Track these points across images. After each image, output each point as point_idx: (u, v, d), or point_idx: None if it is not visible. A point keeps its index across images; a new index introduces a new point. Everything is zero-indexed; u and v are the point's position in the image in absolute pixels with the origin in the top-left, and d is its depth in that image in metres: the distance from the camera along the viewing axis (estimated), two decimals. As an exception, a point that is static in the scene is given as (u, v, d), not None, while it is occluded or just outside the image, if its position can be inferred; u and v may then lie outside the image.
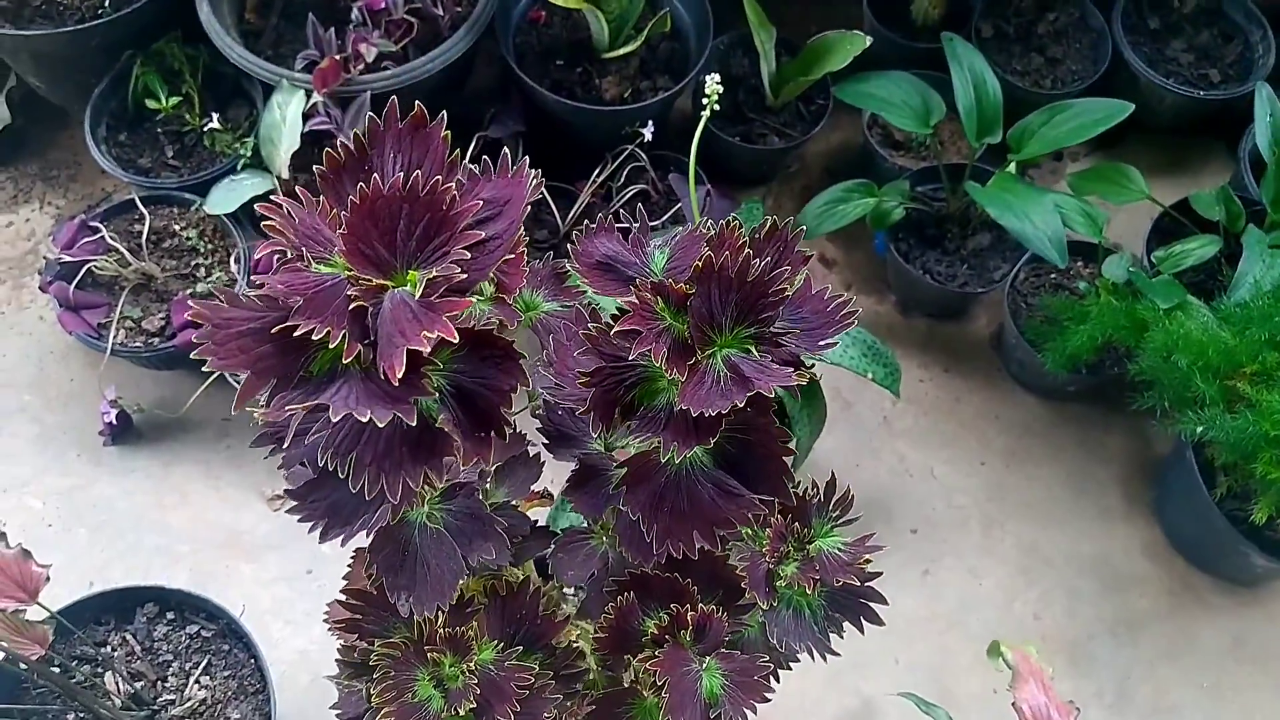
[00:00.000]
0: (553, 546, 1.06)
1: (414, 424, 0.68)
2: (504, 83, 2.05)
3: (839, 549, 1.06)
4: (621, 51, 1.97)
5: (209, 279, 1.83)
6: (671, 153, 2.04)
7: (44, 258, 1.86)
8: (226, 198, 1.83)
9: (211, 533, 1.82)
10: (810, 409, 1.67)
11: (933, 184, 2.02)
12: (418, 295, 0.63)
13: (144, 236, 1.84)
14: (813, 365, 0.85)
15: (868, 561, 1.06)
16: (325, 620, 1.10)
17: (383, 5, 1.88)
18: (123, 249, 1.79)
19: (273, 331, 0.63)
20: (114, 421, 1.82)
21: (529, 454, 1.09)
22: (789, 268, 0.81)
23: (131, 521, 1.81)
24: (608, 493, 0.97)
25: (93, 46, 1.90)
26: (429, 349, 0.61)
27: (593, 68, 2.01)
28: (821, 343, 0.84)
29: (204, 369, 0.63)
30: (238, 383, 0.73)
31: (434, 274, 0.63)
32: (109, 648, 1.55)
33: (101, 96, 1.94)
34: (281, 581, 1.78)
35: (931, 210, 1.99)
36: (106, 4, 1.91)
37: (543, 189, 1.96)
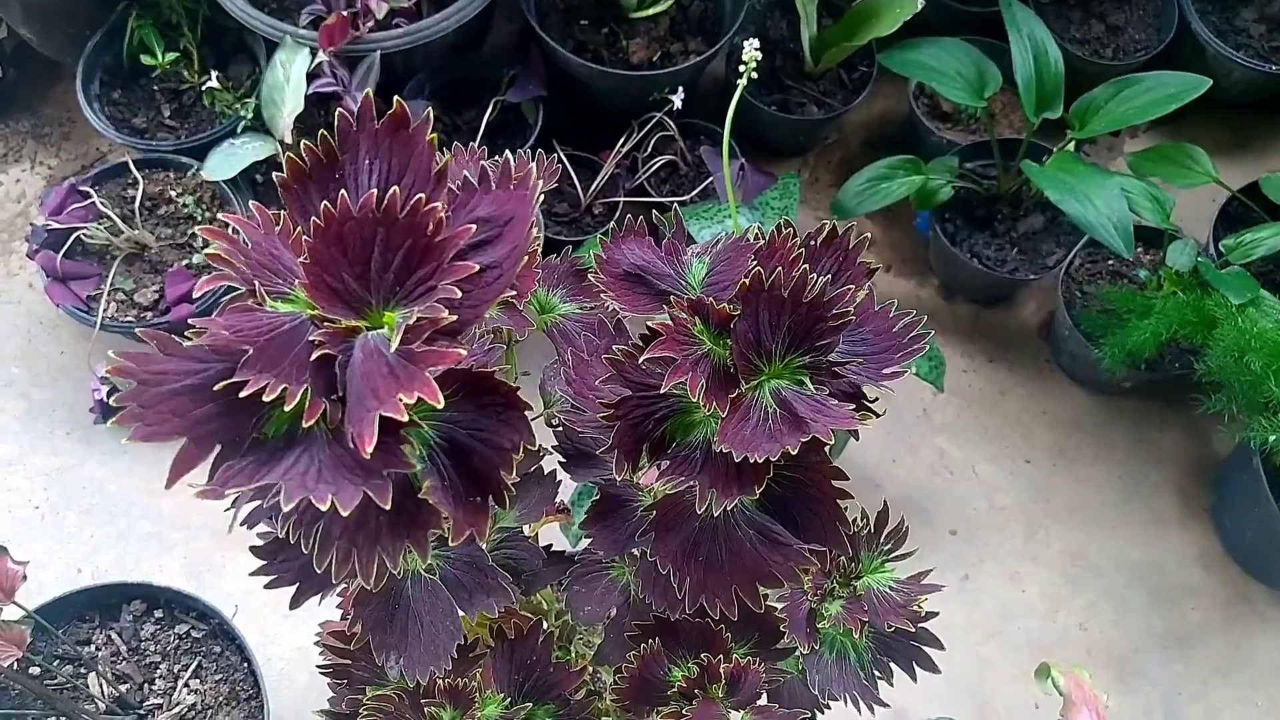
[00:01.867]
0: (568, 577, 0.95)
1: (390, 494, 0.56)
2: (524, 43, 1.91)
3: (890, 587, 0.95)
4: (651, 11, 1.83)
5: (206, 249, 1.71)
6: (702, 121, 1.90)
7: (31, 224, 1.75)
8: (225, 163, 1.71)
9: (206, 519, 1.71)
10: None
11: (983, 160, 1.87)
12: (394, 344, 0.51)
13: (137, 203, 1.72)
14: (876, 399, 0.73)
15: (923, 601, 0.95)
16: (317, 641, 0.99)
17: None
18: (114, 216, 1.68)
19: (215, 389, 0.51)
20: (105, 399, 1.71)
21: (543, 471, 0.97)
22: (852, 287, 0.68)
23: (122, 506, 1.71)
24: (632, 529, 0.85)
25: (85, -4, 1.78)
26: (406, 417, 0.48)
27: (619, 28, 1.87)
28: (886, 371, 0.72)
29: (126, 440, 0.51)
30: None
31: (415, 317, 0.51)
32: (93, 647, 1.46)
33: (95, 50, 1.82)
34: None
35: (981, 189, 1.85)
36: (100, -49, 1.78)
37: (562, 156, 1.84)
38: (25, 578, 1.30)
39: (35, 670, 1.43)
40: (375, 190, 0.53)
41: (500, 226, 0.56)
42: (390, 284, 0.53)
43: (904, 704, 1.64)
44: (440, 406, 0.49)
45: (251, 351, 0.51)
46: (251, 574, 0.66)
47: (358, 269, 0.53)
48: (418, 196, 0.52)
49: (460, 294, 0.52)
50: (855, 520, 0.94)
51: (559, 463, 0.93)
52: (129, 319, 1.67)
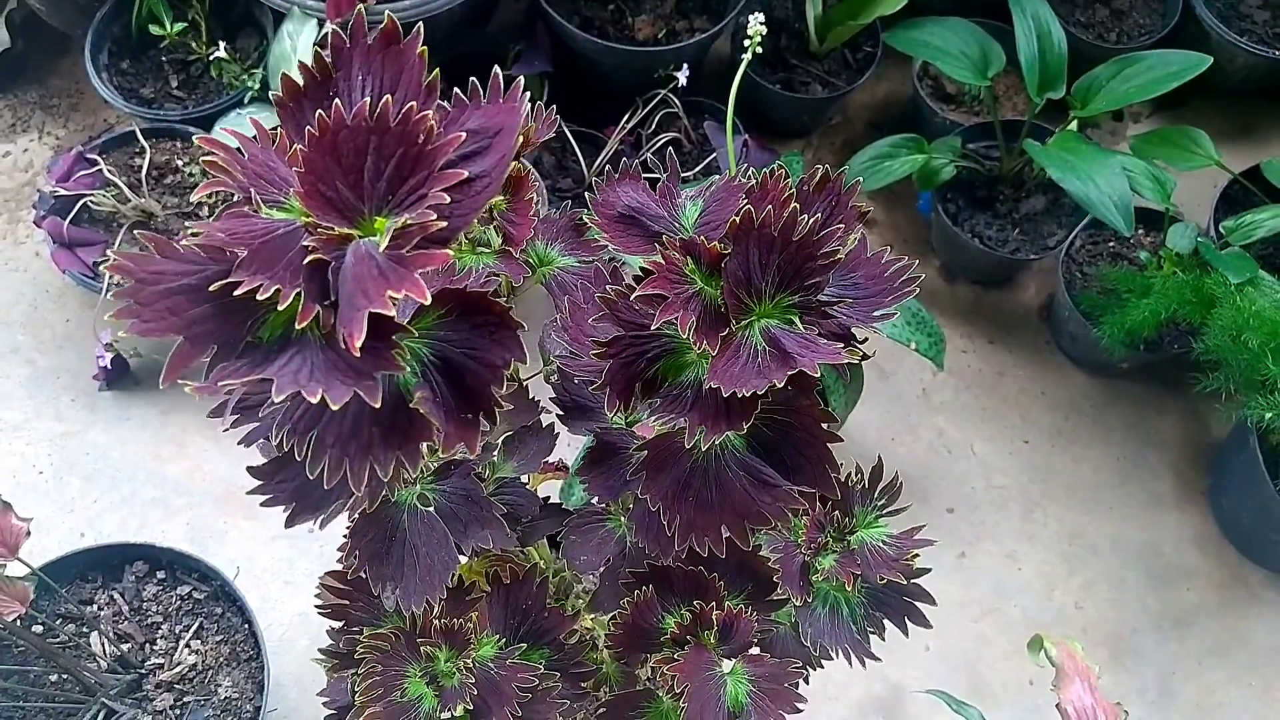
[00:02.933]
0: (565, 527, 0.96)
1: (381, 393, 0.57)
2: (530, 19, 1.92)
3: (883, 542, 0.96)
4: (657, -12, 1.84)
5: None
6: (707, 99, 1.91)
7: (38, 191, 1.76)
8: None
9: (210, 485, 1.73)
10: (846, 378, 1.55)
11: (986, 141, 1.88)
12: (383, 247, 0.51)
13: (144, 171, 1.73)
14: (865, 339, 0.73)
15: (915, 556, 0.96)
16: (317, 595, 1.00)
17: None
18: (121, 184, 1.69)
19: (211, 289, 0.52)
20: (109, 366, 1.73)
21: (542, 423, 0.98)
22: (842, 226, 0.69)
23: (126, 471, 1.73)
24: (626, 475, 0.86)
25: (94, -36, 1.79)
26: (395, 312, 0.49)
27: (626, 5, 1.88)
28: (877, 313, 0.73)
29: (122, 334, 0.52)
30: None
31: (405, 221, 0.52)
32: (95, 606, 1.47)
33: (104, 20, 1.83)
34: (282, 539, 1.69)
35: (983, 170, 1.85)
36: (110, -78, 1.80)
37: (566, 132, 1.85)
38: (29, 534, 1.31)
39: (38, 628, 1.44)
40: (369, 100, 0.54)
41: (490, 137, 0.57)
42: (383, 192, 0.54)
43: (899, 679, 1.65)
44: (429, 304, 0.50)
45: (246, 254, 0.52)
46: (249, 493, 0.67)
47: (351, 178, 0.54)
48: (409, 105, 0.53)
49: (449, 201, 0.53)
50: (850, 475, 0.95)
51: (556, 415, 0.94)
52: (134, 285, 1.68)
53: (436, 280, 0.70)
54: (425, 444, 0.58)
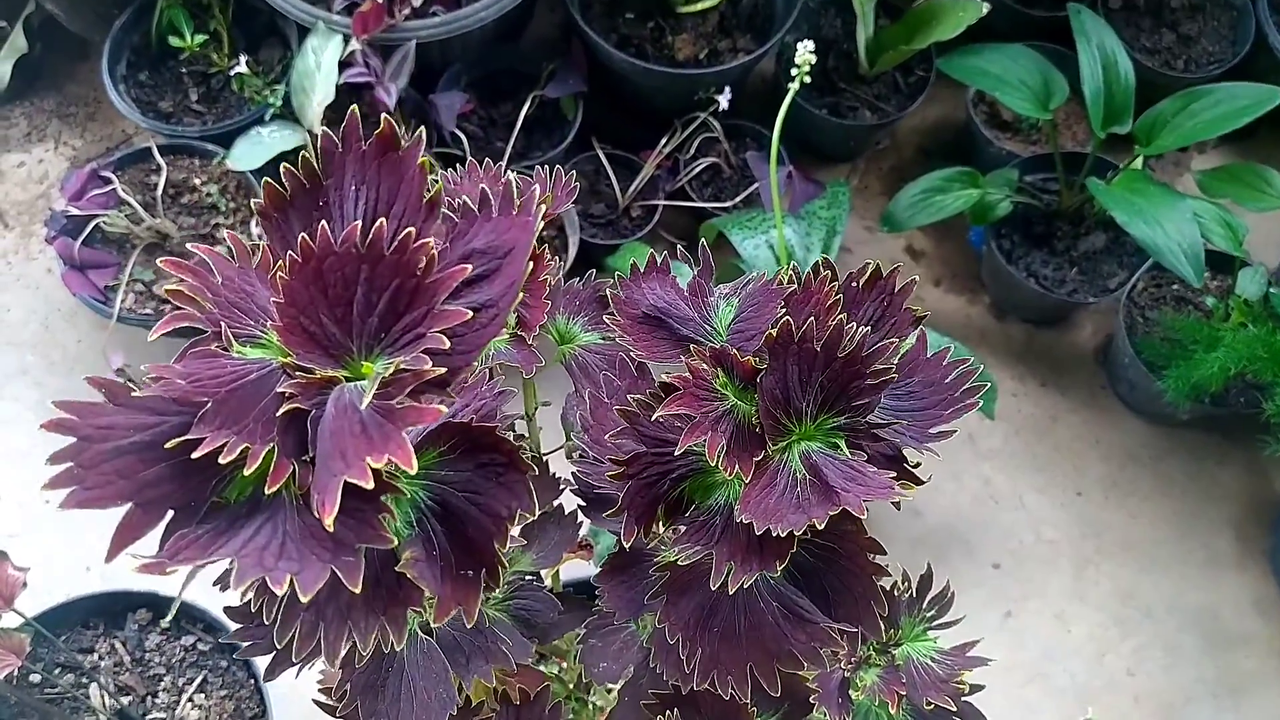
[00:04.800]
0: (585, 628, 0.88)
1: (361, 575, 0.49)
2: (565, 36, 1.83)
3: (931, 658, 0.87)
4: (699, 6, 1.75)
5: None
6: (749, 123, 1.82)
7: (50, 208, 1.70)
8: (251, 152, 1.65)
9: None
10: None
11: (1044, 174, 1.78)
12: (370, 396, 0.43)
13: (160, 190, 1.66)
14: (919, 464, 0.65)
15: (967, 675, 0.87)
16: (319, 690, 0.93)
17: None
18: (136, 203, 1.62)
19: (167, 447, 0.44)
20: (121, 392, 1.66)
21: (564, 509, 0.90)
22: (896, 339, 0.61)
23: (135, 503, 1.66)
24: (650, 588, 0.78)
25: (115, -28, 1.72)
26: (371, 483, 0.41)
27: (666, 23, 1.79)
28: (934, 430, 0.65)
29: (61, 506, 0.44)
30: None
31: (398, 366, 0.44)
32: (96, 656, 1.40)
33: (123, 29, 1.76)
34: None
35: (1040, 204, 1.75)
36: (132, -72, 1.73)
37: (600, 155, 1.77)
38: (25, 584, 1.24)
39: (35, 678, 1.38)
40: (360, 222, 0.46)
41: (499, 259, 0.48)
42: (374, 329, 0.46)
43: (937, 745, 1.55)
44: (413, 471, 0.42)
45: (211, 404, 0.44)
46: (224, 641, 0.59)
47: (338, 311, 0.46)
48: (407, 231, 0.45)
49: (448, 345, 0.44)
50: (896, 583, 0.86)
51: (578, 506, 0.85)
52: (147, 311, 1.62)
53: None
54: (414, 609, 0.50)
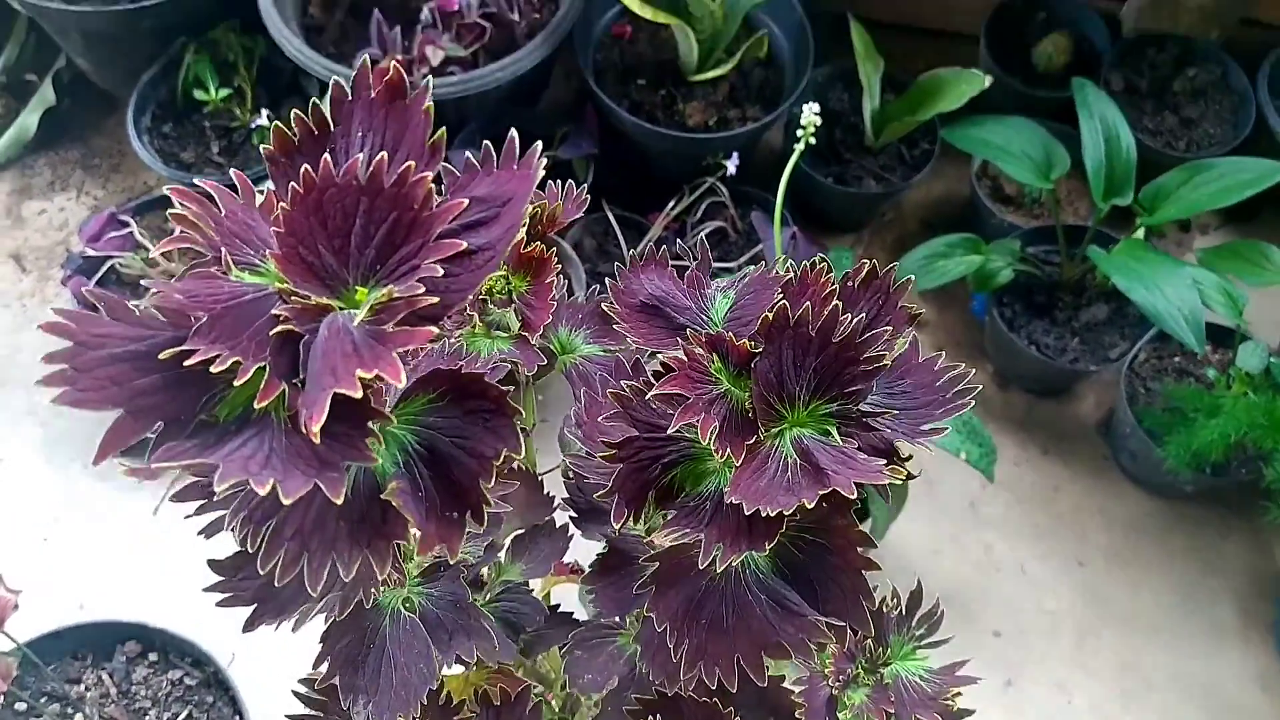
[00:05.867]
0: (569, 640, 0.87)
1: (354, 482, 0.50)
2: (580, 100, 1.88)
3: (920, 676, 0.86)
4: (710, 75, 1.79)
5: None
6: (755, 189, 1.85)
7: (68, 250, 1.73)
8: (267, 200, 1.68)
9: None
10: (889, 485, 1.46)
11: (1045, 246, 1.80)
12: (360, 319, 0.45)
13: (176, 235, 1.69)
14: (909, 457, 0.65)
15: (956, 695, 0.86)
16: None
17: (455, 7, 1.73)
18: (151, 247, 1.65)
19: (161, 358, 0.45)
20: (126, 433, 1.67)
21: (555, 523, 0.90)
22: (890, 328, 0.61)
23: (131, 542, 1.66)
24: (636, 586, 0.78)
25: (144, 29, 1.78)
26: (360, 394, 0.42)
27: (677, 91, 1.84)
28: (925, 427, 0.65)
29: (53, 400, 0.45)
30: None
31: (390, 293, 0.45)
32: (83, 686, 1.39)
33: (150, 83, 1.82)
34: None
35: (1042, 275, 1.77)
36: (165, -14, 1.79)
37: (610, 216, 1.80)
38: (17, 607, 1.24)
39: (21, 706, 1.37)
40: (362, 155, 0.48)
41: (497, 206, 0.50)
42: (370, 260, 0.47)
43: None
44: (401, 385, 0.43)
45: (206, 319, 0.45)
46: (205, 589, 0.59)
47: (336, 242, 0.47)
48: (408, 164, 0.46)
49: (442, 273, 0.46)
50: (885, 600, 0.86)
51: (569, 517, 0.86)
52: (156, 351, 1.63)
53: (433, 361, 0.63)
54: (398, 543, 0.51)
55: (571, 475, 0.85)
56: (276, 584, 0.48)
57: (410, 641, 0.67)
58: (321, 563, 0.49)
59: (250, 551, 0.49)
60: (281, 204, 0.47)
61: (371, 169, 0.46)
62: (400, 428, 0.53)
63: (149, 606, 1.59)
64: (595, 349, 0.86)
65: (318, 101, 0.51)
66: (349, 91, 0.51)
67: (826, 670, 0.85)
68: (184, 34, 1.81)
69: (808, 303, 0.57)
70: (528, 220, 0.77)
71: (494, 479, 0.51)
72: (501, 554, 0.88)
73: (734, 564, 0.65)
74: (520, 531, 0.89)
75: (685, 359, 0.58)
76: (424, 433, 0.53)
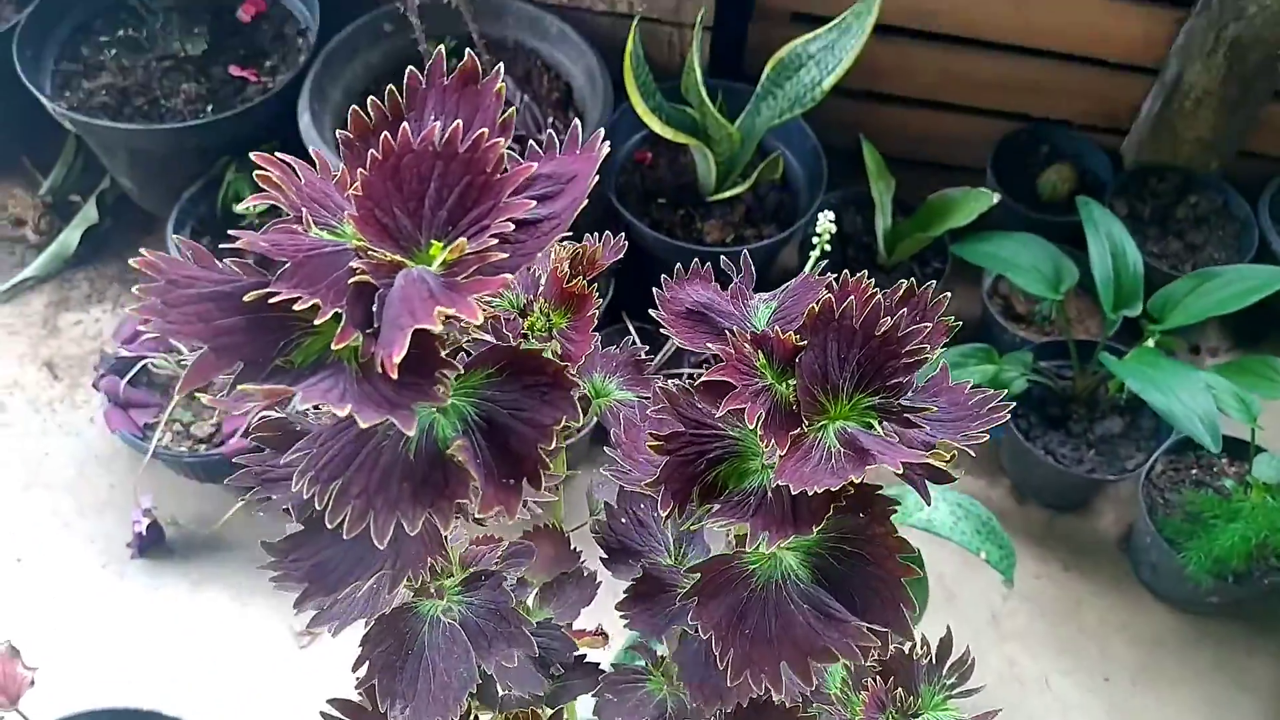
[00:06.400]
0: (601, 683, 0.87)
1: (416, 446, 0.52)
2: (602, 219, 1.95)
3: (955, 732, 0.85)
4: (727, 194, 1.86)
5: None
6: (772, 305, 1.90)
7: (102, 351, 1.77)
8: (298, 306, 1.73)
9: (230, 665, 1.63)
10: (910, 589, 1.45)
11: (1057, 360, 1.83)
12: (435, 269, 0.48)
13: (208, 340, 1.73)
14: (951, 457, 0.67)
15: (990, 743, 0.85)
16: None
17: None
18: (185, 349, 1.69)
19: (245, 300, 0.48)
20: (144, 532, 1.68)
21: (583, 571, 0.91)
22: (929, 325, 0.64)
23: (147, 642, 1.65)
24: (674, 610, 0.79)
25: (190, 147, 1.86)
26: (440, 327, 0.45)
27: (695, 210, 1.91)
28: (963, 434, 0.66)
29: (141, 327, 0.48)
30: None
31: (462, 246, 0.48)
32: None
33: (191, 199, 1.89)
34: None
35: (1055, 387, 1.80)
36: (209, 108, 1.88)
37: (630, 328, 1.84)
38: (33, 683, 1.23)
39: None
40: (438, 124, 0.51)
41: (562, 183, 0.53)
42: (443, 222, 0.50)
43: None
44: (478, 322, 0.46)
45: (289, 265, 0.48)
46: (259, 567, 0.61)
47: (411, 205, 0.51)
48: (481, 131, 0.50)
49: (513, 228, 0.49)
50: (914, 649, 0.86)
51: (600, 559, 0.87)
52: (182, 449, 1.66)
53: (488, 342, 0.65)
54: (460, 501, 0.52)
55: (604, 514, 0.87)
56: (346, 535, 0.50)
57: (450, 647, 0.67)
58: (386, 520, 0.51)
59: (319, 507, 0.51)
60: (360, 169, 0.50)
61: (447, 135, 0.50)
62: (460, 400, 0.55)
63: (167, 707, 1.57)
64: (628, 394, 0.88)
65: (394, 91, 0.55)
66: (423, 79, 0.55)
67: (857, 716, 0.84)
68: (226, 153, 1.89)
69: (851, 298, 0.60)
70: (571, 256, 0.81)
71: (553, 443, 0.53)
72: (530, 598, 0.89)
73: (775, 575, 0.66)
74: (548, 580, 0.90)
75: (733, 352, 0.60)
76: (483, 405, 0.55)
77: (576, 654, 0.88)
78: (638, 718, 0.85)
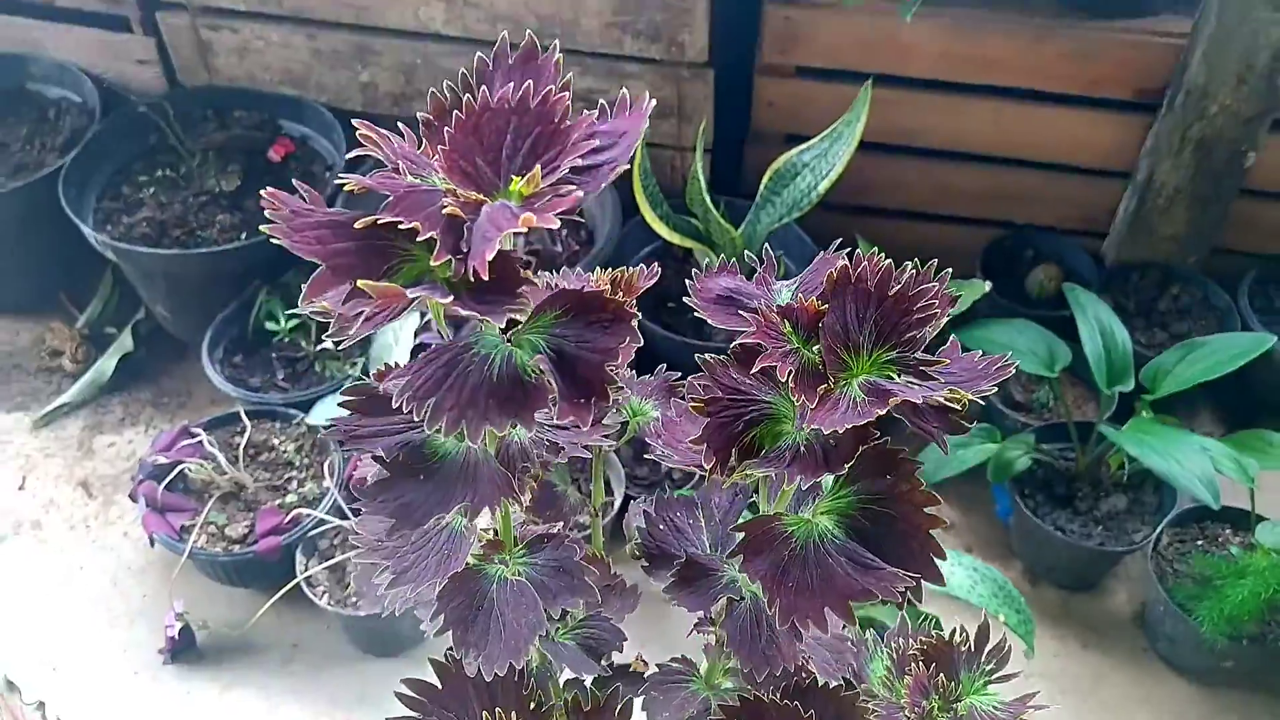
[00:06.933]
0: (646, 682, 0.92)
1: (497, 371, 0.60)
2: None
3: (995, 708, 0.90)
4: (734, 298, 1.96)
5: (300, 489, 1.77)
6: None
7: (140, 460, 1.84)
8: (329, 409, 1.81)
9: (261, 769, 1.64)
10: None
11: (1059, 443, 1.90)
12: (514, 202, 0.56)
13: (242, 447, 1.81)
14: (964, 406, 0.74)
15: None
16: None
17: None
18: (220, 456, 1.76)
19: (357, 225, 0.56)
20: (176, 636, 1.71)
21: (625, 583, 0.97)
22: (936, 283, 0.72)
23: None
24: (718, 588, 0.85)
25: (224, 272, 1.97)
26: (524, 227, 0.53)
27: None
28: (974, 388, 0.74)
29: (268, 233, 0.55)
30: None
31: (537, 178, 0.57)
32: None
33: (224, 321, 1.99)
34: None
35: (1059, 468, 1.86)
36: (242, 235, 2.00)
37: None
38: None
39: None
40: (511, 85, 0.60)
41: (616, 138, 0.62)
42: (519, 167, 0.59)
43: None
44: (555, 226, 0.54)
45: (392, 198, 0.57)
46: (351, 506, 0.67)
47: (490, 155, 0.60)
48: (548, 88, 0.59)
49: (583, 164, 0.58)
50: (954, 635, 0.91)
51: (642, 567, 0.93)
52: (217, 550, 1.71)
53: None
54: (540, 411, 0.59)
55: (643, 528, 0.93)
56: (443, 434, 0.57)
57: (517, 600, 0.73)
58: (477, 427, 0.58)
59: (417, 419, 0.58)
60: (446, 128, 0.59)
61: (520, 93, 0.59)
62: (533, 336, 0.63)
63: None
64: (661, 414, 0.96)
65: (465, 72, 0.64)
66: (490, 61, 0.64)
67: (903, 703, 0.88)
68: (258, 277, 2.00)
69: (865, 264, 0.69)
70: (611, 279, 0.89)
71: (621, 362, 0.61)
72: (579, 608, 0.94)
73: (812, 535, 0.72)
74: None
75: (761, 319, 0.68)
76: (554, 340, 0.63)
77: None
78: (684, 712, 0.90)
